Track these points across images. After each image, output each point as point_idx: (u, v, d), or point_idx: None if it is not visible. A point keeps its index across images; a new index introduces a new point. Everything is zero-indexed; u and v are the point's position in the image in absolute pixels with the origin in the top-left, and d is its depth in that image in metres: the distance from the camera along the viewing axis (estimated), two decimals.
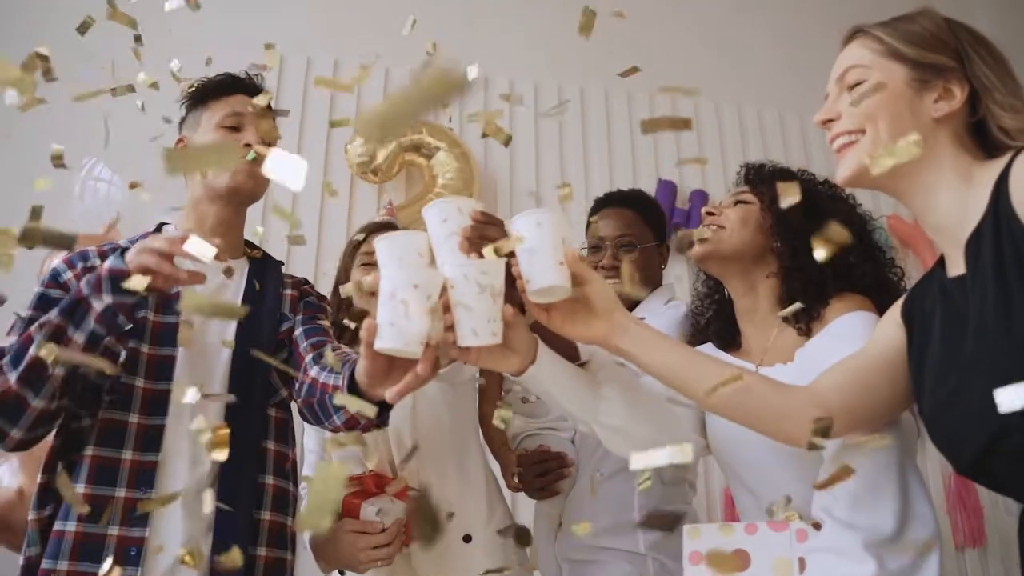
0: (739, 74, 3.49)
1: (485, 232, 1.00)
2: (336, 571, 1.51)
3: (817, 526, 1.04)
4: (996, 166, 0.90)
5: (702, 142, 3.35)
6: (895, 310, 1.06)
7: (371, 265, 1.63)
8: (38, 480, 1.21)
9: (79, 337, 1.11)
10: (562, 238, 0.98)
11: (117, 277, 1.09)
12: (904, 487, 1.03)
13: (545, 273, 0.96)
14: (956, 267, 0.94)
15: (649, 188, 3.17)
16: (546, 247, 0.97)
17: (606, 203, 1.82)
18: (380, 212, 1.80)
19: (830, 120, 1.00)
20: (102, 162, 2.41)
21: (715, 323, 1.38)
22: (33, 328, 1.12)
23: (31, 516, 1.19)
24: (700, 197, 3.16)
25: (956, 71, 0.96)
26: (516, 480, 1.70)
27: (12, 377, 1.10)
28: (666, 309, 1.67)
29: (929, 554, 0.99)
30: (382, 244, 0.95)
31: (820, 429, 0.89)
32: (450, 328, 0.96)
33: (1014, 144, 0.92)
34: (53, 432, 1.23)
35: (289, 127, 2.88)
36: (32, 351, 1.09)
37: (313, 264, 2.74)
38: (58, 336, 1.10)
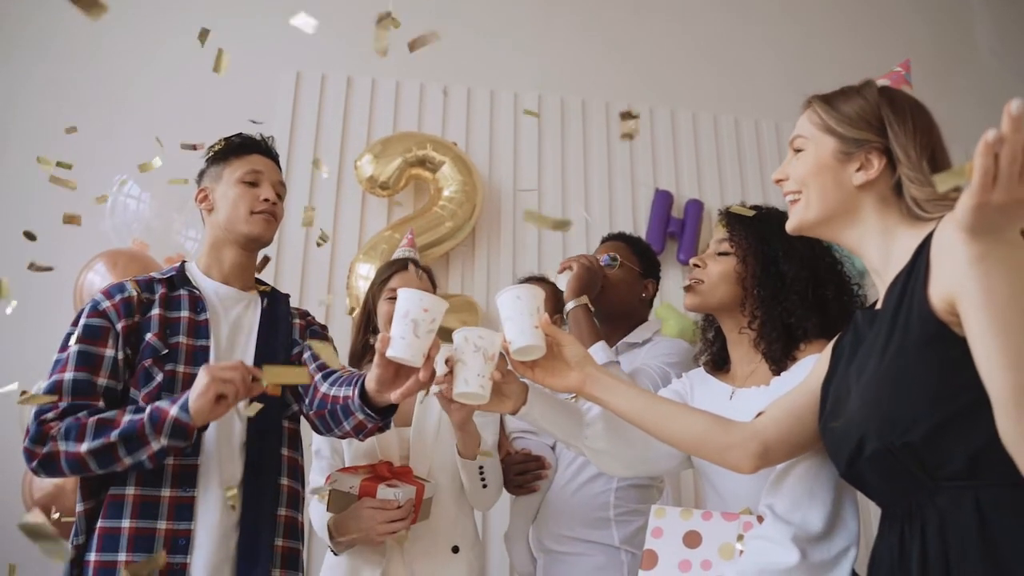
0: (737, 86, 3.61)
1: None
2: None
3: (761, 519, 1.20)
4: (922, 228, 1.03)
5: (699, 153, 3.47)
6: (830, 345, 1.20)
7: (395, 299, 1.83)
8: (77, 508, 1.36)
9: (128, 460, 1.29)
10: (537, 307, 1.21)
11: (180, 428, 1.26)
12: (837, 499, 1.19)
13: (523, 336, 1.19)
14: (880, 302, 1.10)
15: (646, 197, 3.31)
16: (523, 315, 1.20)
17: (605, 240, 2.12)
18: (402, 245, 1.99)
19: (781, 179, 1.18)
20: (132, 180, 2.60)
21: (707, 351, 1.57)
22: (90, 421, 1.29)
23: (73, 543, 1.34)
24: (695, 207, 3.28)
25: (877, 144, 1.09)
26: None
27: (82, 448, 1.27)
28: (645, 346, 1.88)
29: (844, 557, 1.15)
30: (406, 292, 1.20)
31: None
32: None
33: (924, 214, 1.05)
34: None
35: (303, 143, 3.06)
36: (114, 437, 1.26)
37: (328, 271, 2.93)
38: (109, 453, 1.27)
